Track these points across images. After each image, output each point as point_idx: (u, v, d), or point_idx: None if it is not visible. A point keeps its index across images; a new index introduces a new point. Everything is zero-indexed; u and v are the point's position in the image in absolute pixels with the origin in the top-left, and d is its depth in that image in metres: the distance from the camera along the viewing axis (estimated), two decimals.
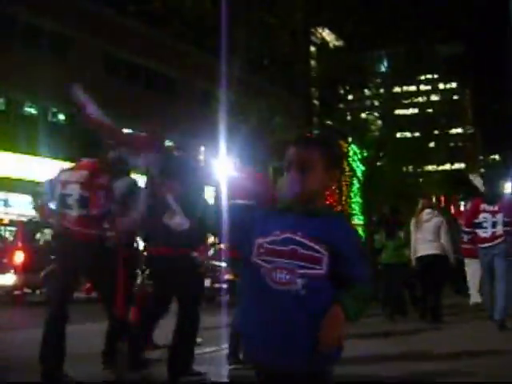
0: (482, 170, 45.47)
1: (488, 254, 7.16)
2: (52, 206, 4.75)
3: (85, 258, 4.38)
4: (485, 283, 7.53)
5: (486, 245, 7.17)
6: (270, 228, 1.89)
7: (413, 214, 8.68)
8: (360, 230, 26.33)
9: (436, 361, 5.51)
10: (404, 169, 28.43)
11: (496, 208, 7.21)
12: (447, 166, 36.84)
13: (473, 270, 8.98)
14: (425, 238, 8.11)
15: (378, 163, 25.59)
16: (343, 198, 29.98)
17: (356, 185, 26.53)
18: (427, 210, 8.34)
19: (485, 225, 7.18)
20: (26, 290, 12.35)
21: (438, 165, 33.26)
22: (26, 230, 13.14)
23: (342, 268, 1.85)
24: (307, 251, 1.84)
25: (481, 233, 7.23)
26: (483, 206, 7.29)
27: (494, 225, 7.09)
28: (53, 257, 12.04)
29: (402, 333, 7.43)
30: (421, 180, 32.03)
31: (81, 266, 4.51)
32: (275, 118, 16.42)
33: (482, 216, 7.23)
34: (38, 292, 12.46)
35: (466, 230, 7.58)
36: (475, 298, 9.52)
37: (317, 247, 1.83)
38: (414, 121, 25.72)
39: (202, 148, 29.22)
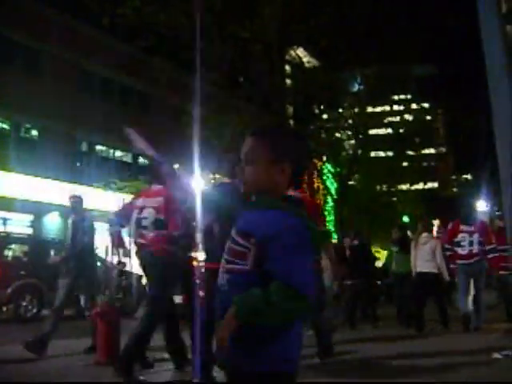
0: (455, 190, 46.24)
1: (465, 269, 8.26)
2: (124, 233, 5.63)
3: (153, 268, 5.14)
4: (462, 294, 8.44)
5: (464, 261, 8.27)
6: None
7: (387, 234, 9.07)
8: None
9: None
10: (378, 187, 28.71)
11: (472, 228, 8.32)
12: (420, 186, 37.24)
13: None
14: (423, 257, 9.01)
15: (351, 182, 25.79)
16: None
17: (330, 203, 26.58)
18: (424, 234, 9.28)
19: (462, 243, 8.29)
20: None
21: (412, 184, 33.58)
22: None
23: (265, 264, 1.70)
24: (235, 246, 1.77)
25: (459, 250, 8.33)
26: (462, 227, 8.41)
27: (470, 243, 8.20)
28: (22, 272, 12.05)
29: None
30: (394, 199, 32.35)
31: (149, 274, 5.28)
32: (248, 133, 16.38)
33: (460, 235, 8.34)
34: (4, 309, 12.16)
35: (447, 247, 8.64)
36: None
37: (243, 242, 1.74)
38: (387, 140, 25.99)
39: (177, 165, 29.22)
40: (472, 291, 8.46)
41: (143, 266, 5.38)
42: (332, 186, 26.01)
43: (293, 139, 1.85)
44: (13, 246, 13.30)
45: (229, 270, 1.78)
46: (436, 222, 21.87)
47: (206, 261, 5.11)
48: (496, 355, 5.81)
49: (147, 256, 5.23)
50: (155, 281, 5.26)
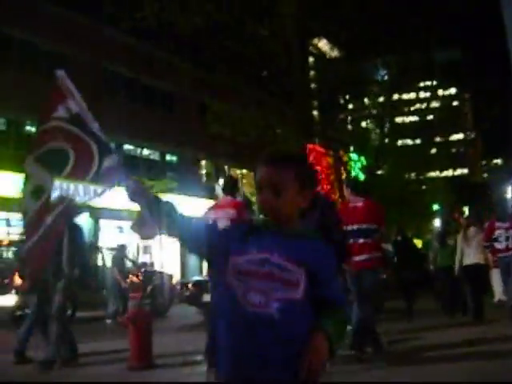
0: (485, 175, 45.42)
1: (504, 261, 8.89)
2: None
3: None
4: (506, 283, 9.14)
5: (503, 254, 8.97)
6: (247, 247, 1.78)
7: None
8: None
9: None
10: (406, 176, 28.35)
11: (507, 225, 8.98)
12: (450, 172, 36.69)
13: (496, 274, 10.90)
14: (471, 250, 9.79)
15: (379, 172, 25.50)
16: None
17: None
18: (472, 228, 10.04)
19: (500, 239, 8.98)
20: (28, 311, 12.29)
21: (441, 171, 33.09)
22: None
23: (318, 291, 1.76)
24: (284, 273, 1.73)
25: (497, 245, 9.06)
26: (498, 224, 9.12)
27: (507, 238, 8.90)
28: None
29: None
30: (424, 187, 31.93)
31: None
32: (274, 129, 16.34)
33: (497, 232, 9.04)
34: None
35: (485, 244, 9.42)
36: (499, 295, 11.87)
37: (294, 269, 1.73)
38: (414, 128, 25.64)
39: (203, 161, 29.35)
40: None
41: None
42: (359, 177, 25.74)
43: (309, 165, 1.87)
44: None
45: (278, 298, 1.72)
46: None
47: None
48: None
49: None
50: None
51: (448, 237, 11.15)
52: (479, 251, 9.75)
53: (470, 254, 9.79)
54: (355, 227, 6.33)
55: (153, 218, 1.94)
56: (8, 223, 20.13)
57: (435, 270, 11.63)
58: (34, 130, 21.92)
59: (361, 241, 6.29)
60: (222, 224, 4.37)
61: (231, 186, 6.01)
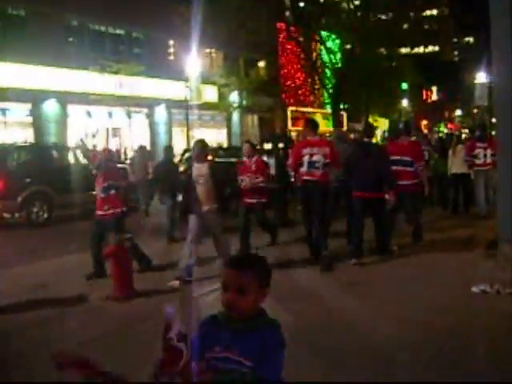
0: (456, 53, 45.00)
1: (481, 175, 11.25)
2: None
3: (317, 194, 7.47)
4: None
5: (480, 168, 11.26)
6: (212, 342, 2.03)
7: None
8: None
9: None
10: (377, 52, 27.77)
11: (485, 145, 11.18)
12: (421, 49, 36.08)
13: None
14: (458, 162, 11.96)
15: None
16: (316, 87, 29.45)
17: (328, 73, 25.79)
18: (459, 146, 12.18)
19: (479, 156, 11.23)
20: (6, 215, 12.22)
21: (412, 47, 32.58)
22: (1, 155, 12.64)
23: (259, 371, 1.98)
24: (242, 367, 1.98)
25: (477, 161, 11.31)
26: (478, 144, 11.33)
27: (484, 156, 11.14)
28: (28, 180, 12.14)
29: None
30: (394, 64, 31.50)
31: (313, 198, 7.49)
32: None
33: (476, 151, 11.27)
34: (17, 215, 12.32)
35: (467, 158, 11.51)
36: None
37: (249, 363, 1.98)
38: (387, 2, 24.76)
39: (171, 42, 28.10)
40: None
41: (307, 192, 7.53)
42: (332, 56, 25.15)
43: (267, 264, 2.12)
44: (16, 155, 13.02)
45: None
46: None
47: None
48: (474, 289, 5.84)
49: (316, 186, 7.42)
50: (322, 200, 7.46)
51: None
52: (463, 163, 11.82)
53: (458, 165, 11.97)
54: (399, 158, 8.31)
55: None
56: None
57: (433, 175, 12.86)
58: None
59: (405, 169, 8.34)
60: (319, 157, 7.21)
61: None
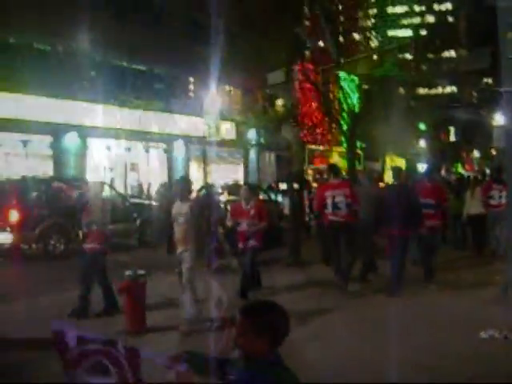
0: (474, 94, 45.20)
1: (494, 215, 11.32)
2: None
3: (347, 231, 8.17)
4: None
5: (495, 209, 11.30)
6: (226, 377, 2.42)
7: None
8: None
9: None
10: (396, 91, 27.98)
11: (501, 187, 11.00)
12: (439, 90, 36.38)
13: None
14: (476, 203, 12.25)
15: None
16: (333, 125, 29.69)
17: (344, 115, 25.99)
18: (477, 188, 12.54)
19: (494, 197, 11.36)
20: (23, 246, 12.36)
21: (430, 88, 32.84)
22: (21, 187, 12.92)
23: None
24: None
25: (492, 201, 11.46)
26: (494, 185, 11.49)
27: (500, 197, 11.15)
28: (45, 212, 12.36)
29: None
30: (411, 104, 31.75)
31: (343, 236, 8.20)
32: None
33: (492, 192, 11.44)
34: (34, 246, 12.51)
35: (483, 199, 11.78)
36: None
37: None
38: (406, 44, 25.06)
39: (191, 79, 28.62)
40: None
41: (335, 231, 8.26)
42: (352, 95, 25.36)
43: (273, 314, 2.33)
44: (35, 187, 13.22)
45: None
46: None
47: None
48: (482, 335, 5.79)
49: (343, 224, 8.10)
50: (350, 236, 8.18)
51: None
52: (480, 204, 12.09)
53: (476, 207, 12.27)
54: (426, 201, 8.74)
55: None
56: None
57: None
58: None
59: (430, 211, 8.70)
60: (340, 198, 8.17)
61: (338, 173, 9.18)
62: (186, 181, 7.16)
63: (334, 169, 9.06)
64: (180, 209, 6.68)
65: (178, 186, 7.11)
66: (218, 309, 6.48)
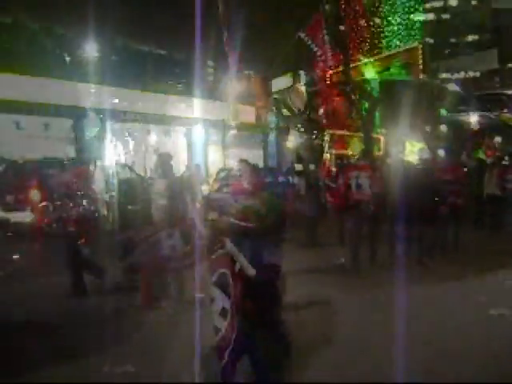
0: (497, 79, 44.47)
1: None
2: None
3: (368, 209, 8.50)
4: None
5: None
6: None
7: None
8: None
9: None
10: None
11: None
12: (461, 75, 35.84)
13: None
14: (492, 184, 12.92)
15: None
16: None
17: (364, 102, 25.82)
18: (495, 170, 13.07)
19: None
20: (44, 226, 12.60)
21: (452, 74, 32.42)
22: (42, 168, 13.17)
23: None
24: None
25: (509, 185, 12.36)
26: (510, 170, 12.43)
27: None
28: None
29: None
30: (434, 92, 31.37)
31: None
32: None
33: (509, 176, 12.40)
34: (54, 226, 12.74)
35: (498, 182, 12.61)
36: None
37: None
38: (427, 28, 24.79)
39: (211, 63, 28.66)
40: None
41: (359, 210, 8.42)
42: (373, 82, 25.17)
43: None
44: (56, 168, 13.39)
45: None
46: None
47: None
48: (492, 312, 5.86)
49: (365, 204, 8.42)
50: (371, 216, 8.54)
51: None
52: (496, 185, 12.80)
53: (492, 187, 12.88)
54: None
55: None
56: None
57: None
58: None
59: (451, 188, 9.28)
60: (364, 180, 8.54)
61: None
62: (164, 157, 6.66)
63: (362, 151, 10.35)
64: (159, 187, 6.33)
65: (156, 163, 6.67)
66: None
